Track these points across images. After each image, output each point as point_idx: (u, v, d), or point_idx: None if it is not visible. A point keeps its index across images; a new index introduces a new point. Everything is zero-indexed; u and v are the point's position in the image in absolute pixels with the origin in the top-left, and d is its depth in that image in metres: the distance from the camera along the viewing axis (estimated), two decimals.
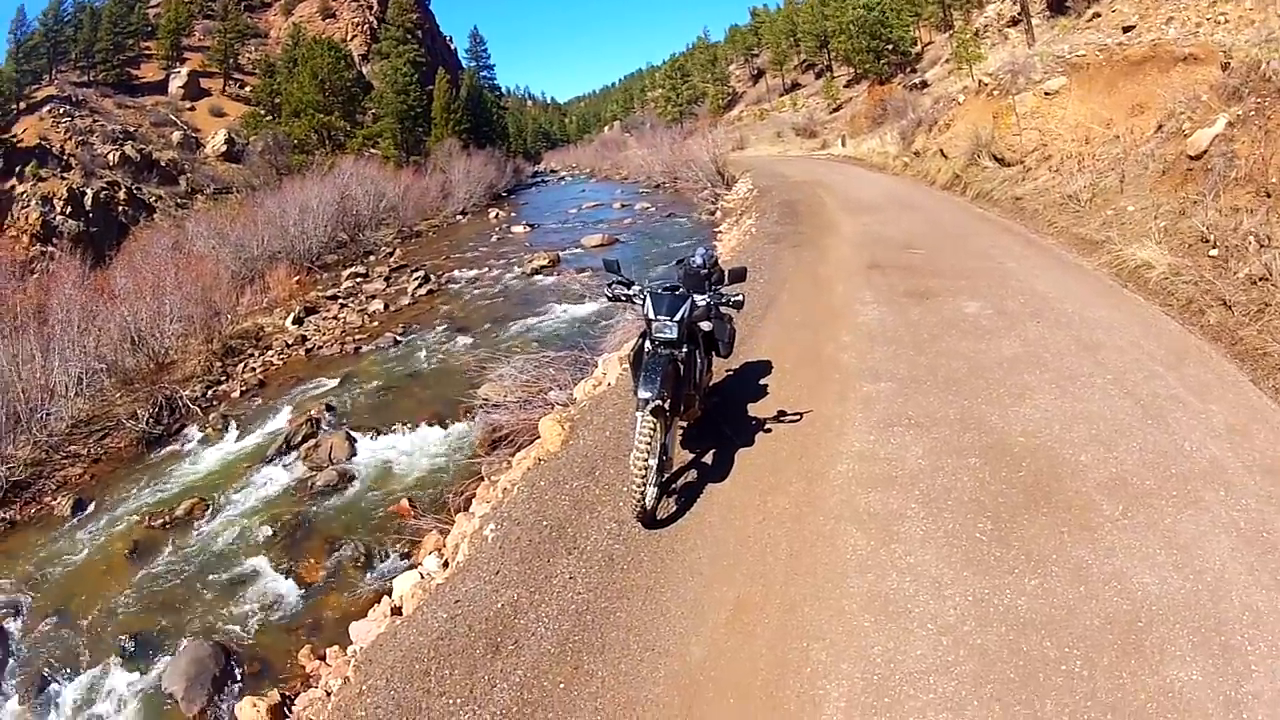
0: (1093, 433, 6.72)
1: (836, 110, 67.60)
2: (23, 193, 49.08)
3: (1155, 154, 13.43)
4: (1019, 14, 46.23)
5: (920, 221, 17.46)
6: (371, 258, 36.11)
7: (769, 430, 7.63)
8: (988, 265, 12.74)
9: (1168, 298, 10.01)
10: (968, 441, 6.84)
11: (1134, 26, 28.37)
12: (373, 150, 63.10)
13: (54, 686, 9.32)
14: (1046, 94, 18.47)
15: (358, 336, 21.52)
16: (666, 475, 6.94)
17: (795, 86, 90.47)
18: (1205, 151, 11.61)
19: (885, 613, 4.99)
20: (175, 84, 72.27)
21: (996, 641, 4.65)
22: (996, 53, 39.29)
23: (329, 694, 6.25)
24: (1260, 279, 8.86)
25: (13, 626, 10.64)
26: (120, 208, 51.69)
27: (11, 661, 9.98)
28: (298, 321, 23.47)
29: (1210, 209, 10.56)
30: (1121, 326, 9.25)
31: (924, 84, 51.90)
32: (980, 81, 25.27)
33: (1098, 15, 34.91)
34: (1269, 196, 9.70)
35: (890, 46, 65.63)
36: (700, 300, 6.60)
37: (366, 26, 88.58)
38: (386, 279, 29.95)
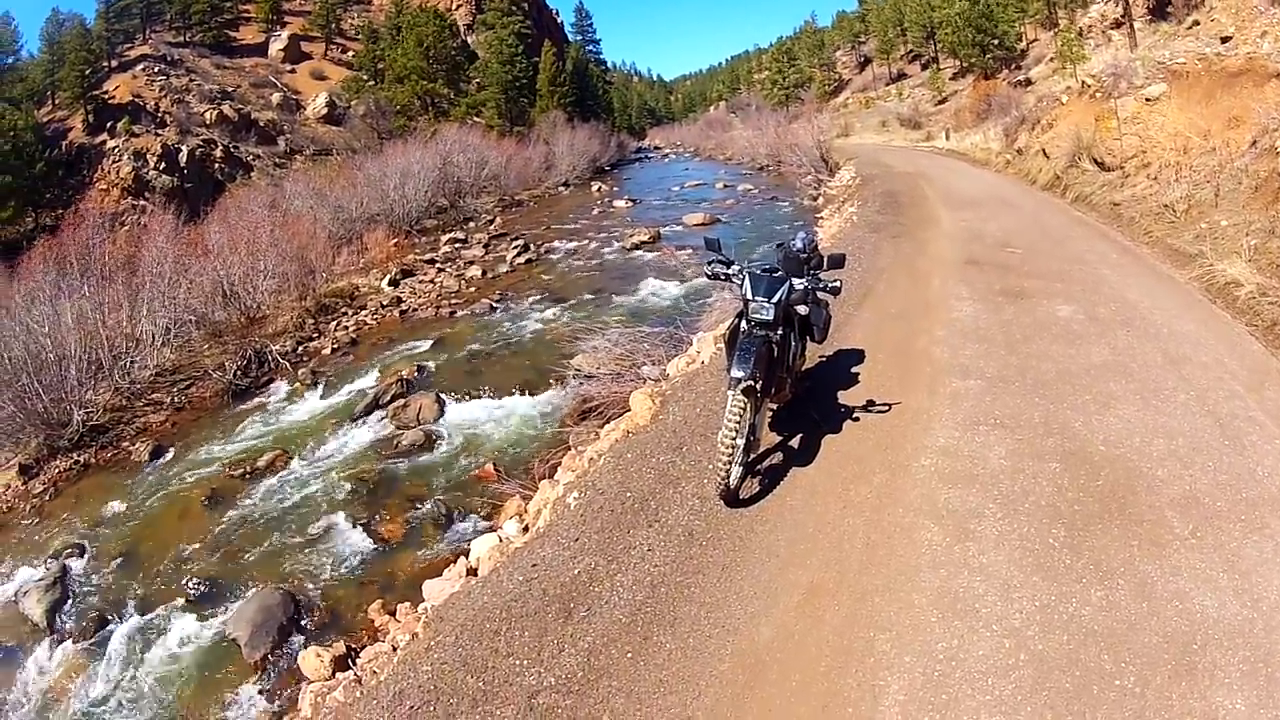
0: (1171, 448, 6.70)
1: (941, 103, 66.41)
2: (114, 148, 49.73)
3: (1249, 169, 13.26)
4: (1122, 16, 45.21)
5: (1019, 221, 17.31)
6: (471, 224, 36.25)
7: (856, 419, 7.71)
8: (1083, 270, 12.63)
9: (1254, 317, 9.90)
10: (1050, 446, 6.85)
11: (1231, 37, 27.68)
12: (476, 119, 62.99)
13: (112, 627, 9.48)
14: (1147, 100, 18.16)
15: (454, 301, 21.60)
16: (753, 456, 6.95)
17: (901, 76, 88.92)
18: None
19: (953, 610, 5.06)
20: (275, 47, 72.67)
21: (1057, 650, 4.70)
22: (1100, 54, 38.61)
23: (395, 649, 6.35)
24: None
25: (76, 566, 10.88)
26: (217, 165, 52.28)
27: (69, 603, 10.17)
28: (393, 283, 23.68)
29: None
30: (1208, 343, 9.18)
31: (1028, 81, 50.99)
32: (1083, 82, 24.86)
33: (1197, 23, 34.10)
34: None
35: (996, 41, 64.31)
36: (798, 284, 6.63)
37: None
38: (486, 246, 30.04)
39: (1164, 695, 4.37)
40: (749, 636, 5.17)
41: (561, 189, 50.90)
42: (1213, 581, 5.12)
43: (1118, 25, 46.83)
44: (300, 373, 16.77)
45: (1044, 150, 23.25)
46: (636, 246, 26.48)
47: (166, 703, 7.86)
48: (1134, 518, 5.79)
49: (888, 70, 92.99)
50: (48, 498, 13.28)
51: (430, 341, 17.89)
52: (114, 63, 60.43)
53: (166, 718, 7.63)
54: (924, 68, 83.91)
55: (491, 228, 34.98)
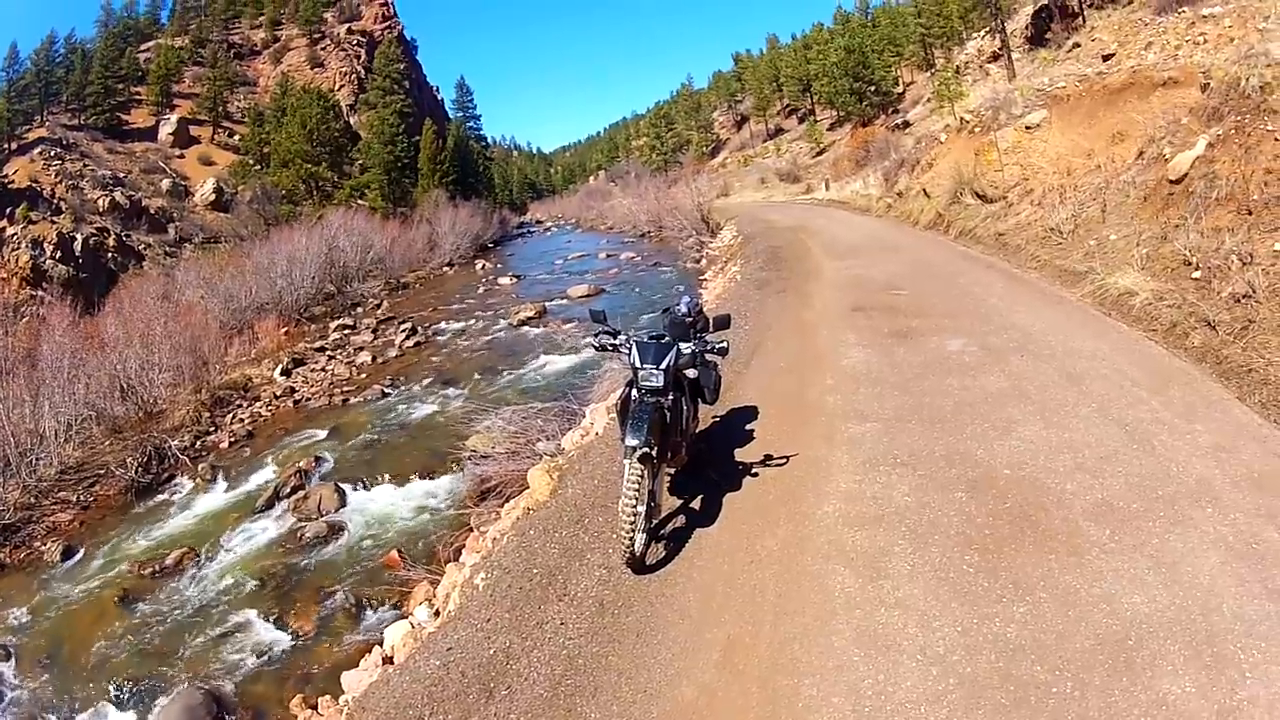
0: (1078, 461, 6.79)
1: (820, 154, 68.22)
2: (13, 235, 49.18)
3: (1136, 181, 13.59)
4: (999, 49, 46.85)
5: (903, 262, 17.62)
6: (359, 309, 36.31)
7: (756, 474, 7.70)
8: (971, 303, 12.87)
9: (1151, 323, 10.14)
10: (953, 476, 6.90)
11: (1114, 54, 28.81)
12: (360, 201, 63.47)
13: None
14: (1027, 128, 18.66)
15: (346, 388, 21.56)
16: (655, 521, 6.93)
17: (779, 132, 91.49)
18: (1186, 175, 11.78)
19: (875, 647, 5.02)
20: (165, 130, 72.79)
21: (986, 669, 4.69)
22: (978, 89, 39.90)
23: None
24: (1243, 296, 8.97)
25: (4, 669, 10.62)
26: (110, 254, 51.79)
27: (4, 703, 9.94)
28: (286, 373, 23.51)
29: (1192, 231, 10.71)
30: (1105, 355, 9.37)
31: (906, 124, 52.69)
32: (961, 119, 25.60)
33: (1078, 45, 35.48)
34: (1250, 214, 9.85)
35: (872, 87, 66.46)
36: (685, 348, 6.69)
37: (354, 76, 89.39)
38: (374, 331, 30.11)
39: (1105, 693, 4.39)
40: (672, 698, 5.11)
41: (446, 268, 51.24)
42: (1139, 579, 5.19)
43: (995, 58, 48.63)
44: (200, 467, 16.55)
45: (925, 190, 23.80)
46: (523, 322, 26.76)
47: None
48: (1048, 533, 5.83)
49: (765, 127, 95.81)
50: None
51: (326, 430, 17.88)
52: (13, 145, 60.68)
53: None
54: (801, 120, 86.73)
55: (379, 312, 35.08)
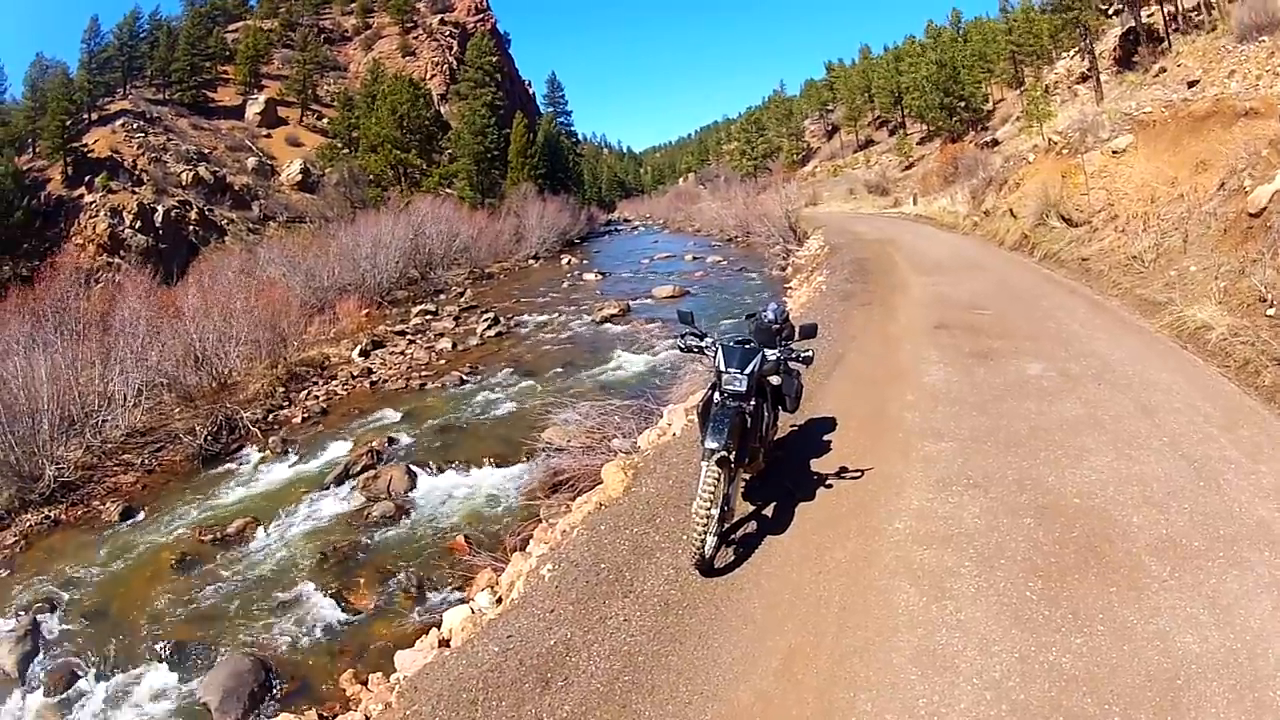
0: (1146, 494, 6.73)
1: (909, 168, 67.46)
2: (91, 202, 49.97)
3: (1217, 212, 13.40)
4: (1088, 70, 46.05)
5: (987, 282, 17.47)
6: (442, 296, 36.53)
7: (830, 486, 7.70)
8: (1052, 327, 12.74)
9: (1225, 359, 10.02)
10: (1024, 502, 6.86)
11: (1198, 81, 28.19)
12: (448, 190, 63.52)
13: (84, 684, 9.49)
14: (1114, 152, 18.40)
15: (424, 373, 21.63)
16: (727, 525, 6.93)
17: (869, 143, 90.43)
18: (1265, 209, 11.61)
19: (933, 667, 5.02)
20: (252, 110, 73.45)
21: (1039, 697, 4.69)
22: (1066, 110, 39.25)
23: (368, 717, 6.45)
24: None
25: (48, 621, 10.80)
26: (191, 227, 52.43)
27: (41, 655, 10.12)
28: (364, 354, 23.71)
29: (1268, 267, 10.56)
30: (1179, 389, 9.25)
31: (995, 142, 51.95)
32: (1050, 140, 25.22)
33: (1164, 70, 34.75)
34: None
35: (963, 103, 65.55)
36: (770, 355, 6.75)
37: (446, 66, 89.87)
38: (456, 318, 30.23)
39: None
40: (729, 701, 5.13)
41: (531, 261, 51.29)
42: (1193, 619, 5.15)
43: (1084, 79, 47.72)
44: (271, 440, 16.73)
45: (1011, 210, 23.51)
46: (606, 319, 26.63)
47: None
48: (1111, 565, 5.80)
49: (855, 137, 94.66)
50: (19, 550, 13.24)
51: (401, 413, 17.91)
52: (94, 115, 60.95)
53: None
54: (891, 133, 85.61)
55: (462, 300, 35.20)
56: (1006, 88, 71.71)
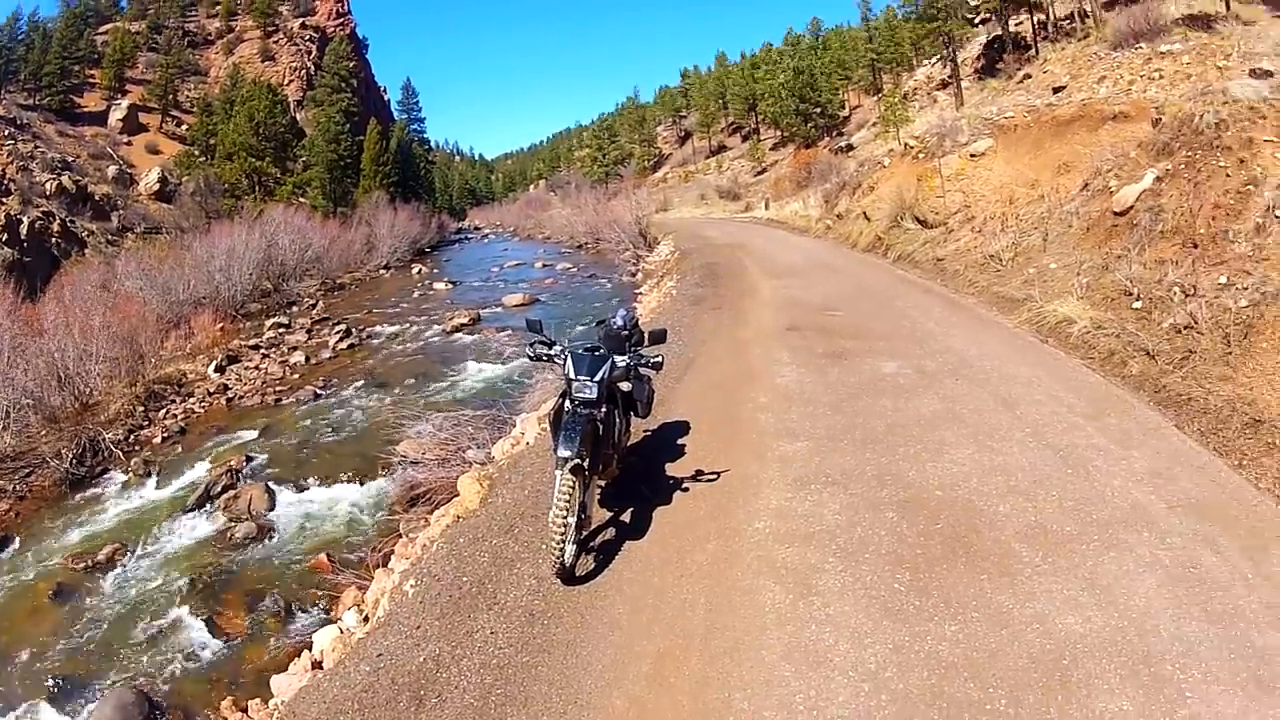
0: (1011, 484, 6.89)
1: (761, 173, 68.64)
2: None
3: (1079, 212, 13.86)
4: (949, 77, 47.42)
5: (840, 284, 17.79)
6: (294, 308, 36.05)
7: (686, 489, 7.77)
8: (907, 326, 13.02)
9: (1089, 351, 10.35)
10: (885, 497, 6.96)
11: (1065, 87, 29.22)
12: (301, 199, 62.96)
13: None
14: (972, 156, 18.94)
15: (279, 388, 21.43)
16: (585, 533, 6.98)
17: (722, 149, 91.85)
18: (1131, 207, 12.04)
19: (806, 662, 5.06)
20: (115, 116, 71.64)
21: (919, 686, 4.75)
22: (925, 115, 40.35)
23: None
24: (1185, 328, 9.21)
25: None
26: (54, 239, 50.73)
27: None
28: (220, 369, 23.28)
29: (1134, 263, 10.93)
30: (1041, 381, 9.53)
31: (850, 147, 53.17)
32: (906, 144, 25.87)
33: (1029, 77, 35.97)
34: (1196, 247, 10.09)
35: (819, 109, 66.95)
36: (620, 361, 6.79)
37: (304, 72, 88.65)
38: (309, 331, 29.90)
39: (1040, 711, 4.46)
40: (603, 709, 5.13)
41: (383, 271, 51.12)
42: (1073, 600, 5.27)
43: (944, 86, 49.23)
44: (133, 462, 16.35)
45: (865, 213, 24.04)
46: (457, 329, 26.69)
47: None
48: (979, 554, 5.91)
49: (708, 144, 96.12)
50: None
51: (258, 430, 17.74)
52: None
53: None
54: (745, 139, 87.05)
55: (314, 312, 34.84)
56: (864, 94, 73.71)
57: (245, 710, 7.61)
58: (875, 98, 66.35)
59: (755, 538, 6.67)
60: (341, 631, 7.41)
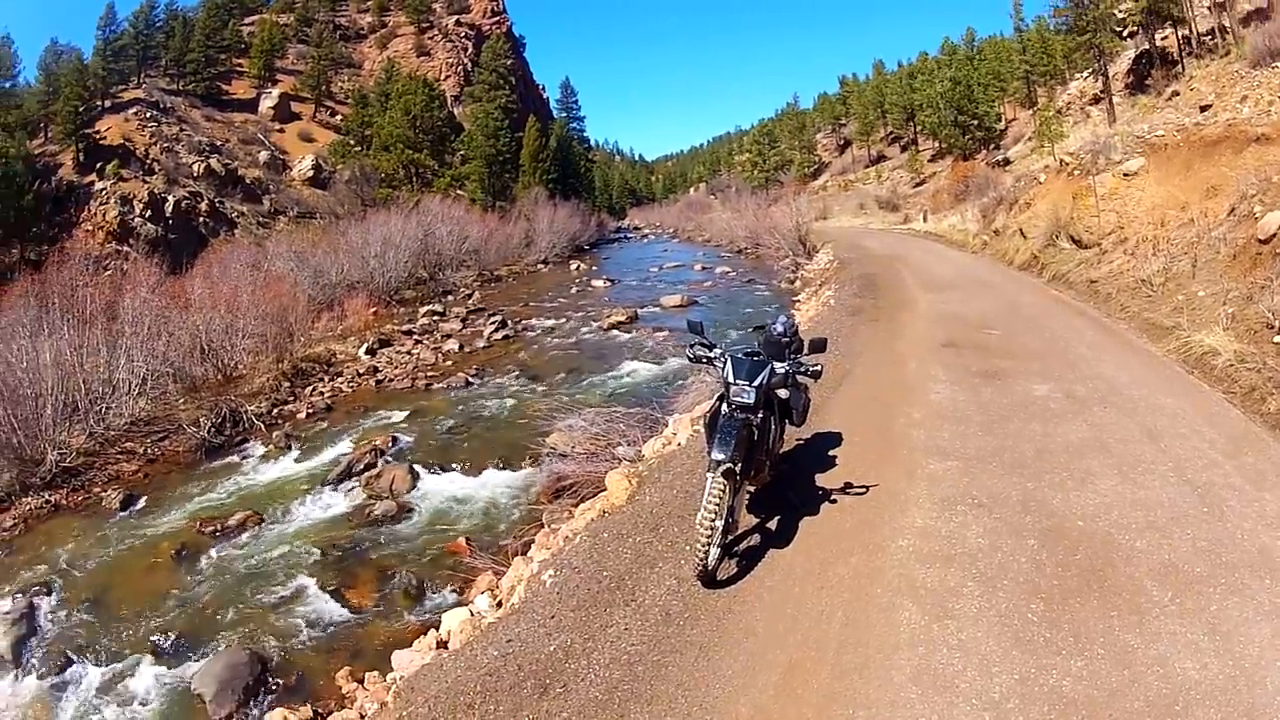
0: (1150, 519, 6.72)
1: (920, 185, 67.52)
2: (102, 189, 50.11)
3: (1227, 238, 13.40)
4: (1101, 91, 46.06)
5: (996, 301, 17.51)
6: (450, 297, 36.71)
7: (834, 501, 7.70)
8: (1059, 348, 12.75)
9: (1231, 385, 10.00)
10: (1028, 523, 6.86)
11: (1210, 106, 28.19)
12: (459, 191, 63.96)
13: (77, 669, 9.40)
14: (1125, 175, 18.36)
15: (430, 373, 21.68)
16: (730, 537, 6.92)
17: (880, 159, 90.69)
18: (1274, 235, 11.64)
19: (933, 686, 5.00)
20: (266, 104, 73.78)
21: None
22: (1078, 131, 39.13)
23: (362, 716, 6.51)
24: None
25: (43, 606, 10.76)
26: (202, 218, 52.62)
27: (35, 640, 10.07)
28: (371, 352, 23.79)
29: (1277, 294, 10.55)
30: (1185, 414, 9.23)
31: (1006, 161, 51.96)
32: (1061, 161, 25.20)
33: (1176, 94, 34.79)
34: None
35: (976, 121, 65.62)
36: (779, 368, 6.76)
37: (460, 68, 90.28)
38: (463, 320, 30.33)
39: None
40: (727, 715, 5.11)
41: (540, 266, 51.70)
42: (1194, 645, 5.13)
43: (1096, 101, 47.74)
44: (275, 435, 16.73)
45: (1021, 230, 23.49)
46: (614, 326, 26.69)
47: None
48: (1113, 589, 5.79)
49: (867, 153, 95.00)
50: (18, 533, 13.23)
51: (405, 412, 17.93)
52: (108, 102, 61.21)
53: None
54: (903, 149, 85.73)
55: (470, 302, 35.41)
56: (1020, 107, 71.90)
57: (361, 681, 7.77)
58: (1030, 111, 64.75)
59: (898, 555, 6.63)
60: (472, 615, 7.54)
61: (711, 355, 7.08)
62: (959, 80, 67.46)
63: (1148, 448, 8.28)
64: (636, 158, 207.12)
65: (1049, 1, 60.52)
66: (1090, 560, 6.18)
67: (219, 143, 63.40)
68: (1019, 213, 25.20)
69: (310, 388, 20.49)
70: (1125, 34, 48.74)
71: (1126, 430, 8.84)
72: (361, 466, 14.36)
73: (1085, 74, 52.47)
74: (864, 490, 7.78)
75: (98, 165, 52.36)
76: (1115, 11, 46.19)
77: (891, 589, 6.14)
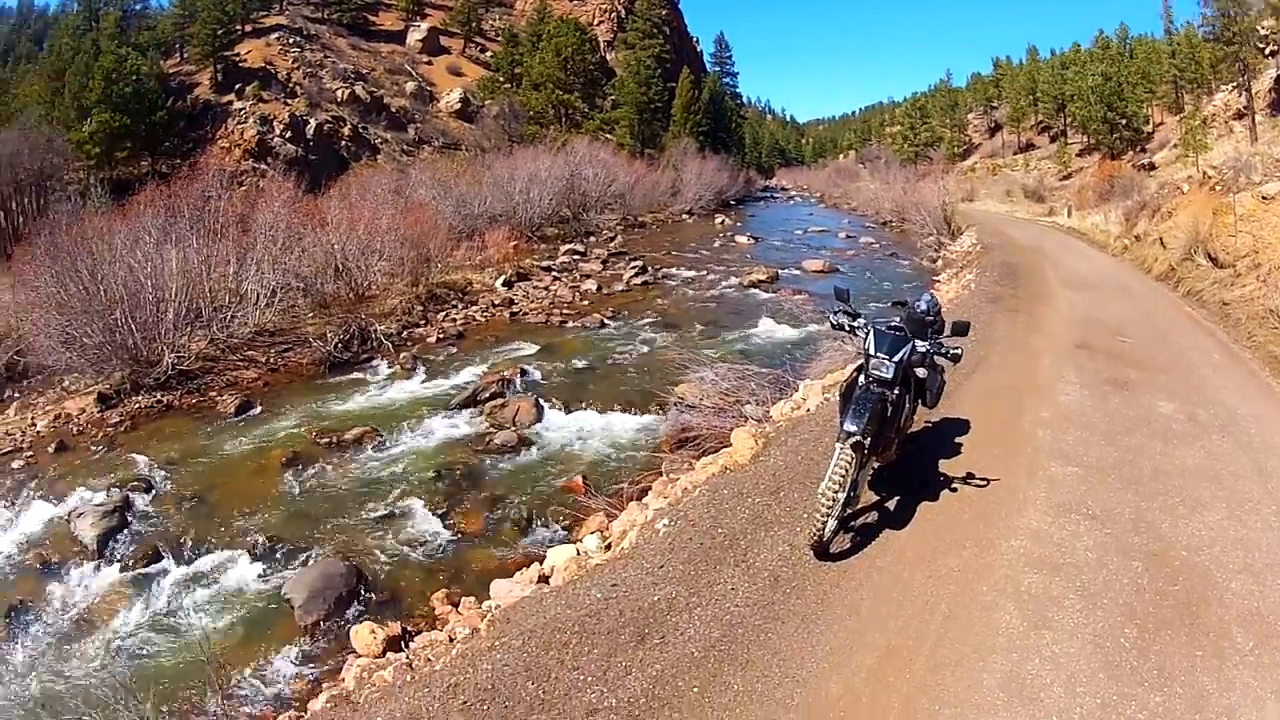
0: (1247, 561, 6.62)
1: (1066, 178, 65.43)
2: (240, 109, 51.60)
3: None
4: (1244, 107, 44.37)
5: (1132, 309, 17.17)
6: (591, 239, 36.99)
7: (954, 490, 7.73)
8: (1186, 367, 12.54)
9: None
10: (1136, 544, 6.83)
11: None
12: (607, 135, 63.92)
13: (164, 564, 9.73)
14: (1264, 198, 17.75)
15: (565, 311, 21.88)
16: (850, 511, 6.97)
17: (1030, 147, 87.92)
18: None
19: (1020, 696, 5.04)
20: (414, 37, 74.25)
21: None
22: (1222, 145, 37.96)
23: (452, 640, 6.49)
24: None
25: (140, 500, 11.17)
26: (344, 142, 53.72)
27: (125, 533, 10.41)
28: (508, 284, 24.20)
29: None
30: None
31: (1152, 166, 50.30)
32: (1204, 173, 24.43)
33: None
34: None
35: (1124, 121, 63.41)
36: (921, 346, 6.78)
37: (614, 15, 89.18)
38: (604, 262, 30.52)
39: None
40: (817, 691, 5.21)
41: (685, 216, 51.77)
42: (1261, 701, 5.08)
43: (1240, 116, 46.04)
44: (402, 356, 17.04)
45: (1161, 239, 22.79)
46: (753, 284, 26.45)
47: (203, 643, 7.77)
48: (1202, 627, 5.75)
49: (1017, 139, 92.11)
50: (123, 429, 13.76)
51: (537, 347, 18.11)
52: (247, 27, 62.30)
53: (200, 657, 7.55)
54: (1052, 140, 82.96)
55: (612, 245, 35.54)
56: (1167, 112, 69.13)
57: (456, 605, 7.92)
58: (1177, 117, 62.30)
59: (1008, 555, 6.64)
60: (578, 554, 7.69)
61: (854, 324, 7.12)
62: (1109, 76, 65.41)
63: (1256, 486, 8.14)
64: (788, 118, 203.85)
65: (1198, 8, 58.25)
66: (1187, 593, 6.12)
67: (364, 71, 64.30)
68: (1160, 221, 24.43)
69: (443, 314, 20.89)
70: (1268, 52, 46.82)
71: (1239, 464, 8.69)
72: (487, 395, 14.55)
73: (1230, 87, 50.51)
74: (984, 484, 7.78)
75: (236, 86, 54.00)
76: (1259, 27, 44.28)
77: (997, 589, 6.18)
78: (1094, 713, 4.93)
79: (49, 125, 46.85)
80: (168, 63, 57.87)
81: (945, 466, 8.29)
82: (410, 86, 65.56)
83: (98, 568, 9.85)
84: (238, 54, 58.02)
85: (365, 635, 7.33)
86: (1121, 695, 5.07)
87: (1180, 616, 5.87)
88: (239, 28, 60.93)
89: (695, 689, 5.30)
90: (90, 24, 58.07)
